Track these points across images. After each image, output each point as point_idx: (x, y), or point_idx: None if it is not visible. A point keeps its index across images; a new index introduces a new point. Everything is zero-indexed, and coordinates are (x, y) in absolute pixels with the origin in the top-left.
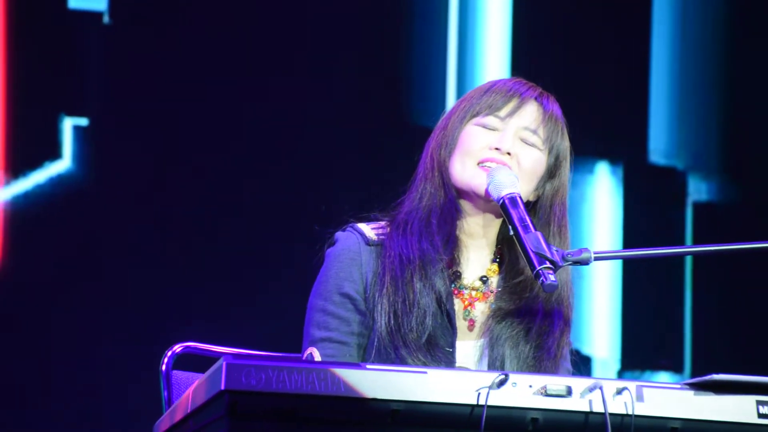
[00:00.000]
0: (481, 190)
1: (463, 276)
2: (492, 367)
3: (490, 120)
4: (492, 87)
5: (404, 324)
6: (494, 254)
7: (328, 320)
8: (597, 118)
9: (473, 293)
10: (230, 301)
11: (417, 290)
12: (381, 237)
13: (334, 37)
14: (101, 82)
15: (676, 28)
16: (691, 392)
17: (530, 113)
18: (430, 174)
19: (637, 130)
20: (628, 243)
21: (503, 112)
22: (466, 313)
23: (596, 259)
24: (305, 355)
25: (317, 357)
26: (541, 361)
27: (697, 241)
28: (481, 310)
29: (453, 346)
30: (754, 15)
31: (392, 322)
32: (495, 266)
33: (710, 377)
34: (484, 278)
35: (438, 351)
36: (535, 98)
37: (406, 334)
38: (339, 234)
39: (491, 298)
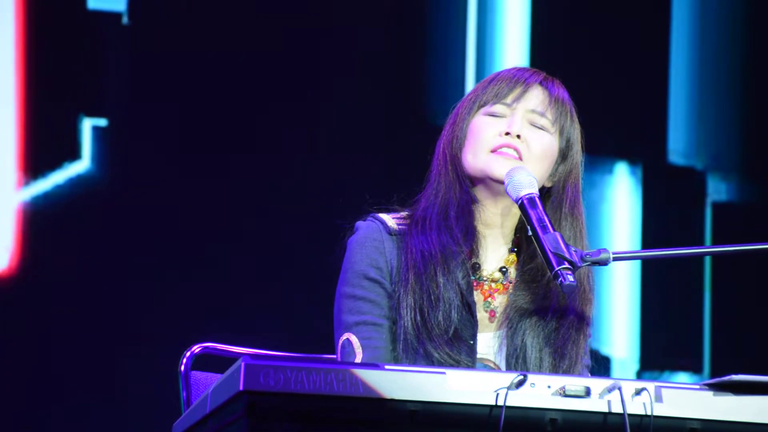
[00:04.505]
0: (496, 174)
1: (482, 267)
2: (513, 356)
3: (498, 108)
4: (496, 77)
5: (431, 319)
6: (512, 243)
7: (359, 305)
8: (616, 119)
9: (493, 285)
10: (249, 301)
11: (441, 285)
12: (401, 227)
13: (354, 36)
14: (120, 82)
15: (695, 28)
16: (711, 393)
17: (536, 96)
18: (444, 169)
19: (656, 130)
20: (647, 243)
21: (509, 99)
22: (486, 305)
23: (615, 259)
24: (341, 341)
25: (354, 341)
26: (563, 348)
27: (716, 242)
28: (500, 302)
29: (475, 338)
30: None
31: (418, 318)
32: (513, 256)
33: (729, 378)
34: (504, 269)
35: (462, 344)
36: (540, 82)
37: (433, 329)
38: (360, 223)
39: (511, 288)
